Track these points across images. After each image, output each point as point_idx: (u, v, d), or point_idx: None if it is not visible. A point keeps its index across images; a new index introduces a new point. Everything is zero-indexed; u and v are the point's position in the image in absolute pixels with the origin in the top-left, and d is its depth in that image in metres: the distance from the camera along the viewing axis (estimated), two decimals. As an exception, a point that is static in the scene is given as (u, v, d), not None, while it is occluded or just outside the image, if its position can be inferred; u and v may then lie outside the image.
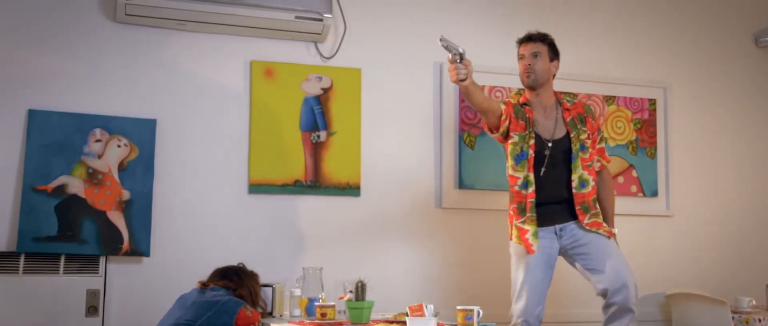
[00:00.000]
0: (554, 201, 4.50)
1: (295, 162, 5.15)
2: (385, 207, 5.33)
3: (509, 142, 4.48)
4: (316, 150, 5.20)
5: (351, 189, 5.24)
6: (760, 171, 6.26)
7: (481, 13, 5.70)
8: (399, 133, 5.42)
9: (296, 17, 4.98)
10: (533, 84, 4.51)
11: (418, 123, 5.47)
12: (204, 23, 4.97)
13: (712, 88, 6.20)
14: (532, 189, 4.45)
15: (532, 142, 4.47)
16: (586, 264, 4.48)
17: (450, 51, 4.11)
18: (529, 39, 4.57)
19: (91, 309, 4.60)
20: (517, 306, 4.48)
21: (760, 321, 4.99)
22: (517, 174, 4.47)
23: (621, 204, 5.63)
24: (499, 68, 5.60)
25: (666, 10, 6.18)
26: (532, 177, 4.45)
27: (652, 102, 5.94)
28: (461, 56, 4.15)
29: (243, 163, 5.08)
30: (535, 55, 4.50)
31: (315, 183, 5.17)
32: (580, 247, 4.49)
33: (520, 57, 4.57)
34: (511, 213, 4.53)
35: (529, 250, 4.43)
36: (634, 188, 5.83)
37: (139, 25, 4.95)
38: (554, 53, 4.55)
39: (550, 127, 4.54)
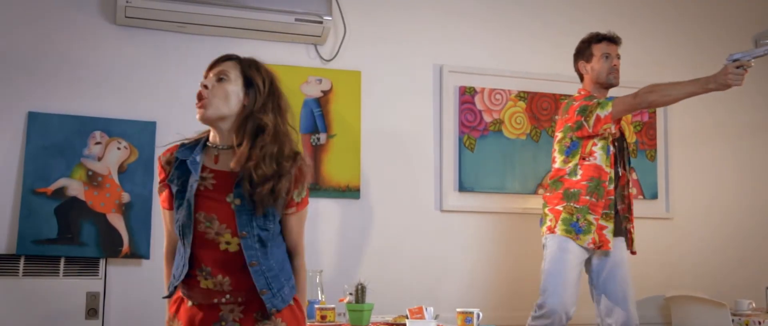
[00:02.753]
0: (621, 206, 4.55)
1: (294, 164, 5.15)
2: (385, 210, 5.33)
3: (599, 138, 4.52)
4: (315, 152, 5.20)
5: (351, 192, 5.24)
6: (760, 174, 6.26)
7: (483, 16, 5.70)
8: (399, 136, 5.42)
9: (296, 19, 4.99)
10: (617, 84, 4.60)
11: (417, 125, 5.47)
12: (204, 25, 4.97)
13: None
14: (613, 186, 4.48)
15: (611, 138, 4.51)
16: (603, 290, 4.52)
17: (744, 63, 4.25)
18: (615, 40, 4.65)
19: (91, 312, 4.60)
20: (554, 300, 4.43)
21: (760, 323, 4.99)
22: (607, 169, 4.49)
23: (621, 207, 5.65)
24: (499, 71, 5.61)
25: (666, 12, 6.18)
26: (613, 174, 4.48)
27: (652, 104, 5.94)
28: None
29: (243, 165, 5.08)
30: (618, 57, 4.58)
31: (315, 186, 5.17)
32: (604, 269, 4.53)
33: (606, 55, 4.63)
34: (590, 208, 4.49)
35: (605, 245, 4.44)
36: (634, 190, 5.83)
37: (139, 28, 4.95)
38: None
39: (615, 131, 4.57)
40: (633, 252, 4.69)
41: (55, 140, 4.74)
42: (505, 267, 5.23)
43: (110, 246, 4.71)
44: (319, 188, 5.18)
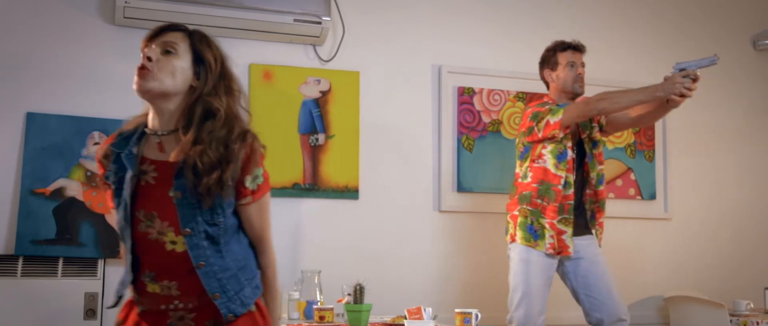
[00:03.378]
0: (577, 208, 4.54)
1: (293, 165, 5.15)
2: (384, 211, 5.33)
3: (549, 142, 4.50)
4: (314, 153, 5.20)
5: (349, 192, 5.24)
6: (759, 174, 6.27)
7: (481, 17, 5.70)
8: (397, 136, 5.42)
9: (295, 20, 4.99)
10: (582, 92, 4.59)
11: (416, 126, 5.47)
12: (202, 26, 4.89)
13: (710, 91, 6.20)
14: (571, 190, 4.48)
15: (570, 144, 4.50)
16: (584, 288, 4.52)
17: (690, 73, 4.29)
18: (580, 49, 4.64)
19: (89, 312, 4.59)
20: (520, 314, 4.47)
21: (758, 324, 5.00)
22: (559, 172, 4.47)
23: (619, 207, 5.67)
24: (498, 71, 5.61)
25: (664, 13, 6.19)
26: (571, 178, 4.47)
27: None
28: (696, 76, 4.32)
29: (241, 165, 5.08)
30: (583, 65, 4.59)
31: (313, 186, 5.17)
32: (581, 268, 4.52)
33: (571, 64, 4.62)
34: (542, 212, 4.50)
35: (564, 251, 4.44)
36: (632, 191, 5.84)
37: (137, 28, 4.95)
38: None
39: (576, 132, 4.58)
40: (600, 241, 4.66)
41: (53, 141, 4.73)
42: (504, 267, 5.20)
43: (109, 246, 4.70)
44: (318, 188, 5.18)
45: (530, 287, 4.46)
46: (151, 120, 2.56)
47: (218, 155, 2.45)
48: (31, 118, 4.73)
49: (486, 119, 5.52)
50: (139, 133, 2.58)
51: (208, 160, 2.43)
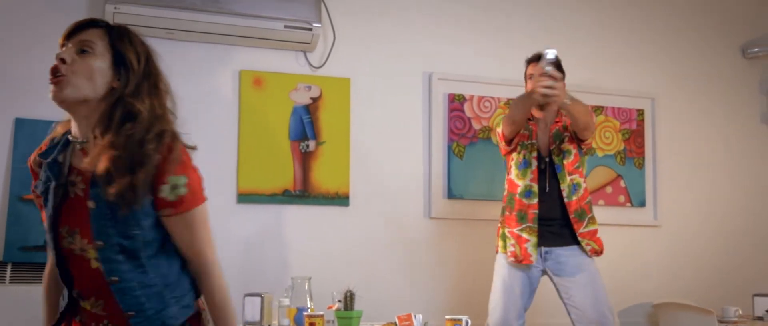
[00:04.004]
0: (550, 218, 4.52)
1: (284, 171, 5.14)
2: (374, 217, 5.33)
3: (514, 153, 4.56)
4: (305, 159, 5.19)
5: (340, 199, 5.24)
6: (747, 182, 6.29)
7: (472, 24, 5.70)
8: (388, 143, 5.42)
9: (285, 26, 4.98)
10: (542, 103, 4.55)
11: (407, 132, 5.47)
12: (193, 32, 4.96)
13: (699, 99, 6.23)
14: (535, 200, 4.48)
15: (534, 154, 4.51)
16: (568, 300, 4.52)
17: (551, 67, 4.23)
18: (535, 59, 4.60)
19: (79, 319, 4.57)
20: (494, 318, 4.50)
21: (747, 330, 5.01)
22: (519, 181, 4.49)
23: (609, 214, 5.66)
24: (489, 78, 5.62)
25: (654, 21, 6.20)
26: (536, 188, 4.48)
27: (640, 112, 5.96)
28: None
29: (232, 172, 5.07)
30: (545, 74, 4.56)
31: (304, 193, 5.16)
32: (564, 278, 4.52)
33: (529, 76, 4.61)
34: (504, 221, 4.55)
35: (526, 259, 4.45)
36: (621, 198, 5.85)
37: (127, 34, 4.94)
38: (561, 72, 4.56)
39: (546, 143, 4.58)
40: (594, 252, 4.53)
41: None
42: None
43: (98, 253, 4.68)
44: (309, 195, 5.18)
45: (502, 293, 4.53)
46: (73, 126, 2.33)
47: (130, 158, 2.18)
48: (20, 124, 4.71)
49: (476, 126, 5.53)
50: (64, 139, 2.37)
51: (121, 163, 2.17)
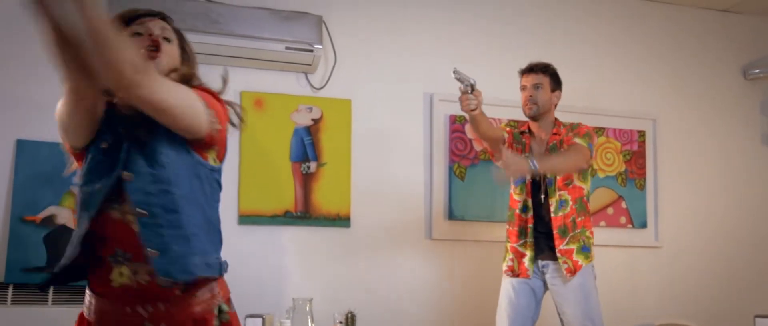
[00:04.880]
0: (545, 232, 4.52)
1: (285, 193, 5.14)
2: (375, 238, 5.32)
3: None
4: (306, 181, 5.19)
5: (341, 220, 5.24)
6: (748, 204, 6.28)
7: (472, 45, 5.72)
8: (389, 164, 5.42)
9: (286, 48, 4.99)
10: (535, 115, 4.56)
11: (408, 154, 5.48)
12: (195, 53, 4.96)
13: (701, 120, 6.23)
14: (530, 214, 4.49)
15: None
16: (562, 314, 4.53)
17: (462, 82, 4.31)
18: (530, 70, 4.61)
19: (79, 341, 4.56)
20: None
21: (749, 352, 4.99)
22: (518, 198, 4.52)
23: (610, 235, 5.66)
24: (490, 99, 5.59)
25: (655, 43, 6.22)
26: (530, 202, 4.49)
27: (642, 133, 5.96)
28: (472, 87, 4.27)
29: (233, 193, 5.07)
30: (536, 87, 4.55)
31: (305, 214, 5.16)
32: (555, 292, 4.52)
33: (522, 88, 4.62)
34: (508, 236, 4.57)
35: (523, 274, 4.45)
36: (623, 219, 5.84)
37: (129, 56, 4.95)
38: (556, 83, 4.58)
39: (542, 156, 4.57)
40: (569, 271, 4.47)
41: (43, 168, 4.72)
42: (495, 295, 5.20)
43: (99, 274, 4.68)
44: (310, 216, 5.17)
45: (503, 308, 4.55)
46: None
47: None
48: (21, 145, 4.72)
49: (478, 147, 5.53)
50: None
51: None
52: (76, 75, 2.29)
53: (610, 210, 5.81)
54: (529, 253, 4.48)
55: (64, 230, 4.69)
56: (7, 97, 4.78)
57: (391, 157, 5.43)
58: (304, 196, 5.17)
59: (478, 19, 5.77)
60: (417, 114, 5.53)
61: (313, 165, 5.22)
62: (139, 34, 2.53)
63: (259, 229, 5.09)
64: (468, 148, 5.51)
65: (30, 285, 4.59)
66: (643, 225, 5.91)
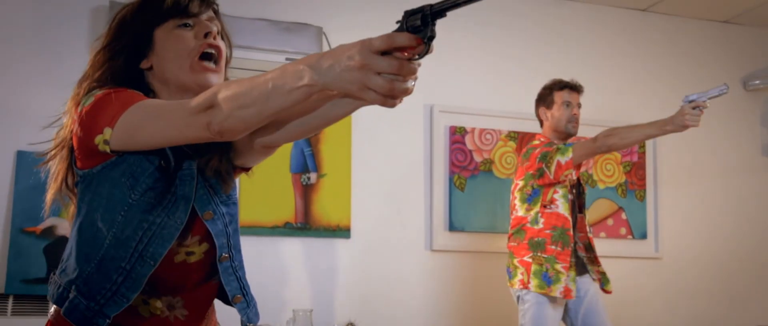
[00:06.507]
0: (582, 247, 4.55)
1: (285, 204, 5.14)
2: (375, 250, 5.32)
3: (558, 184, 4.47)
4: (306, 192, 5.19)
5: (341, 232, 5.23)
6: (749, 215, 6.28)
7: (472, 56, 5.72)
8: (389, 175, 5.42)
9: (287, 59, 5.00)
10: (575, 133, 4.59)
11: (408, 165, 5.48)
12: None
13: (701, 131, 6.21)
14: (571, 232, 4.46)
15: (569, 185, 4.50)
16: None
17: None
18: (577, 89, 4.63)
19: (79, 352, 4.55)
20: None
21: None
22: (570, 217, 4.47)
23: (610, 246, 5.66)
24: (490, 110, 5.63)
25: (655, 53, 6.22)
26: (571, 221, 4.46)
27: (642, 145, 5.96)
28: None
29: (233, 204, 5.07)
30: (579, 106, 4.59)
31: (305, 226, 5.16)
32: (582, 308, 4.53)
33: (566, 103, 4.61)
34: (543, 260, 4.43)
35: (568, 295, 4.40)
36: (623, 230, 5.84)
37: (130, 67, 4.96)
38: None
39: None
40: (607, 291, 4.62)
41: (43, 179, 4.71)
42: (496, 306, 5.21)
43: (99, 285, 4.68)
44: (310, 227, 5.17)
45: None
46: None
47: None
48: (22, 156, 4.72)
49: (478, 158, 5.53)
50: None
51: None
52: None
53: (610, 222, 5.81)
54: (573, 274, 4.43)
55: (64, 241, 4.68)
56: (7, 109, 4.78)
57: (391, 168, 5.43)
58: (305, 207, 5.17)
59: (479, 30, 5.77)
60: (417, 125, 5.53)
61: (313, 176, 5.22)
62: (186, 25, 2.06)
63: (259, 240, 5.09)
64: (468, 159, 5.52)
65: (30, 296, 4.59)
66: (643, 236, 5.91)
